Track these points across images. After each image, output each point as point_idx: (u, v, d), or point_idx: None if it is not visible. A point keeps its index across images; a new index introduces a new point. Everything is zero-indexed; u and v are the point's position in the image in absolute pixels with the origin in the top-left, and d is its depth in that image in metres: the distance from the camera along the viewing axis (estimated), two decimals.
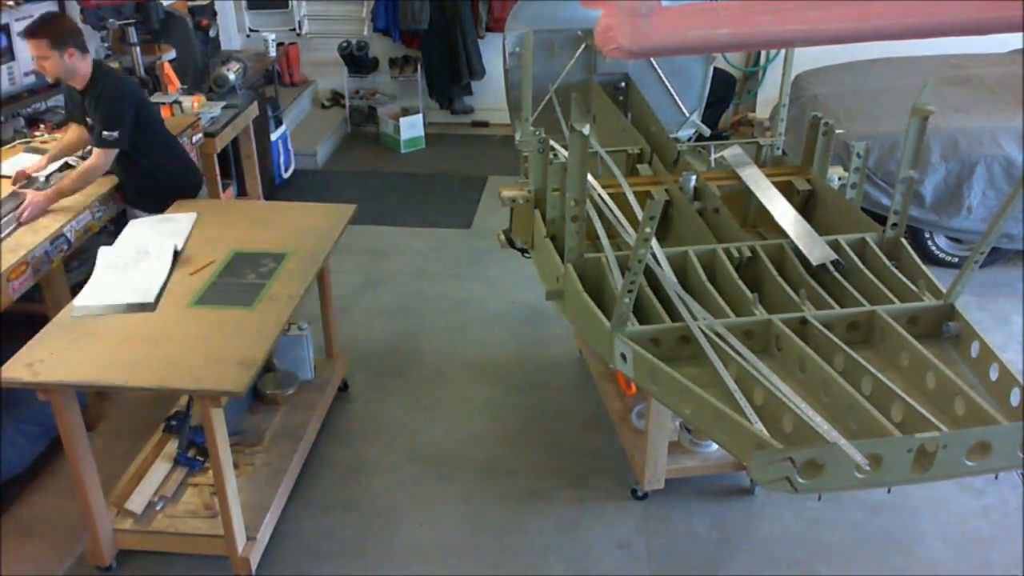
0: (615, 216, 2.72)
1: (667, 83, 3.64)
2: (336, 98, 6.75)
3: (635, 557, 2.84)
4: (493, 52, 6.45)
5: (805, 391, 2.14)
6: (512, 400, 3.61)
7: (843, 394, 2.02)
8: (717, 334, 2.20)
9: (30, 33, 3.02)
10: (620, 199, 2.83)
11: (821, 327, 2.23)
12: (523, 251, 3.20)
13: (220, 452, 2.47)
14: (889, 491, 2.09)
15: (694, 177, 2.93)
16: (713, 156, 3.20)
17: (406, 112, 6.42)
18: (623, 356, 2.23)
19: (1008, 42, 5.22)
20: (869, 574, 2.78)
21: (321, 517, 3.00)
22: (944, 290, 2.35)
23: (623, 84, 3.64)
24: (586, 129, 2.28)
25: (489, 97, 6.67)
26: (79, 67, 3.09)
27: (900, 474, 1.85)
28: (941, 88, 4.70)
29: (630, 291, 2.16)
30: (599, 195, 2.81)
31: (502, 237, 3.20)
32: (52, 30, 3.02)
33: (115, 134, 3.08)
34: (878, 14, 1.52)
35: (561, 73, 3.50)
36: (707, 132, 3.80)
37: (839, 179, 2.94)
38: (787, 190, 2.91)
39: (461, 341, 4.00)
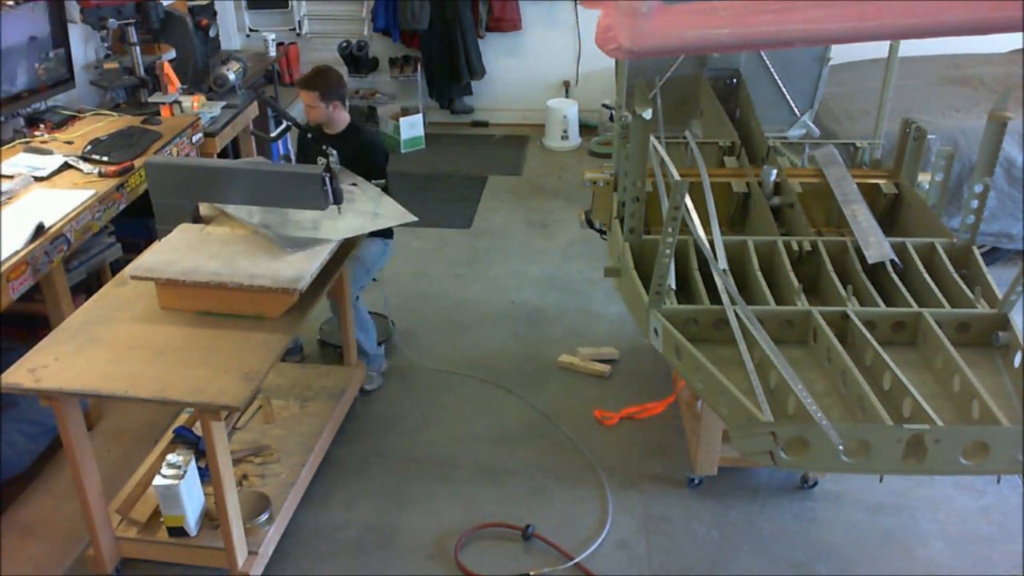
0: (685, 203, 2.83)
1: (779, 81, 3.66)
2: None
3: (635, 557, 2.84)
4: (493, 52, 6.45)
5: (827, 381, 2.22)
6: (512, 400, 3.61)
7: (856, 385, 2.08)
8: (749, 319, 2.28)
9: (305, 85, 3.41)
10: (702, 188, 2.95)
11: (859, 323, 2.30)
12: (601, 232, 3.41)
13: (220, 467, 2.45)
14: (881, 480, 2.15)
15: (775, 172, 3.05)
16: (806, 154, 3.31)
17: (406, 112, 6.42)
18: (655, 331, 2.38)
19: (1008, 42, 5.21)
20: (869, 574, 2.78)
21: (322, 517, 3.00)
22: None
23: (734, 80, 3.68)
24: (647, 114, 2.41)
25: (489, 97, 6.67)
26: (337, 117, 3.50)
27: (890, 463, 1.90)
28: (941, 88, 4.70)
29: (663, 271, 2.31)
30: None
31: (582, 217, 3.44)
32: (321, 85, 3.41)
33: (383, 182, 3.45)
34: (878, 14, 1.52)
35: (672, 65, 3.58)
36: (817, 133, 3.80)
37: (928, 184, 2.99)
38: (873, 193, 2.99)
39: (461, 341, 4.00)
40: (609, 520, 2.97)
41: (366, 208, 3.06)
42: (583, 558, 2.81)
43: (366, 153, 3.49)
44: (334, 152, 2.75)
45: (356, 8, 6.49)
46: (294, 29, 6.56)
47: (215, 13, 4.79)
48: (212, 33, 4.58)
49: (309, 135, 3.45)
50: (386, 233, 3.59)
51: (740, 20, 1.59)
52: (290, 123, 3.50)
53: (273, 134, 4.35)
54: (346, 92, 3.52)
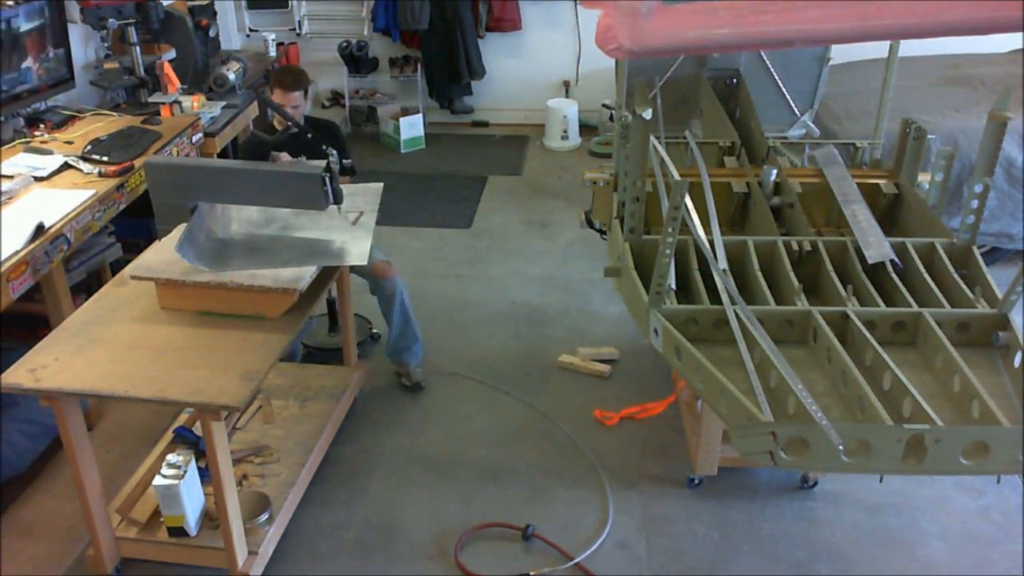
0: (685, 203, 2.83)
1: (779, 81, 3.66)
2: (336, 98, 6.74)
3: (635, 557, 2.84)
4: (493, 52, 6.46)
5: (828, 380, 2.22)
6: (512, 400, 3.61)
7: (856, 385, 2.08)
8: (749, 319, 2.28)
9: (294, 87, 3.45)
10: (702, 188, 2.95)
11: (859, 323, 2.30)
12: (601, 232, 3.42)
13: (220, 467, 2.45)
14: (881, 480, 2.15)
15: (775, 172, 3.05)
16: (806, 154, 3.31)
17: (406, 112, 6.42)
18: (655, 331, 2.37)
19: (1008, 42, 5.21)
20: (869, 574, 2.78)
21: (322, 517, 3.00)
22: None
23: (734, 80, 3.69)
24: (647, 114, 2.41)
25: (489, 97, 6.67)
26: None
27: (890, 463, 1.90)
28: (941, 88, 4.70)
29: (663, 271, 2.32)
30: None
31: (582, 217, 3.44)
32: (305, 83, 3.51)
33: (351, 161, 3.42)
34: (878, 14, 1.52)
35: (672, 66, 3.59)
36: (817, 133, 3.80)
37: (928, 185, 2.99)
38: (873, 193, 2.99)
39: (461, 341, 4.00)
40: (610, 521, 2.97)
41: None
42: (583, 558, 2.81)
43: (335, 138, 3.57)
44: (334, 152, 2.75)
45: (356, 8, 6.49)
46: (294, 29, 6.56)
47: (215, 13, 4.79)
48: (212, 33, 4.59)
49: (295, 132, 3.41)
50: None
51: (740, 20, 1.59)
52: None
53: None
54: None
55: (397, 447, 3.34)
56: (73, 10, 4.01)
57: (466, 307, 4.28)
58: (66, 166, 3.42)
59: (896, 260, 2.62)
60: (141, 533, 2.72)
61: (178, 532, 2.67)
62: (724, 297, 2.37)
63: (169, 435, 3.06)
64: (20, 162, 3.42)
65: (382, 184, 3.37)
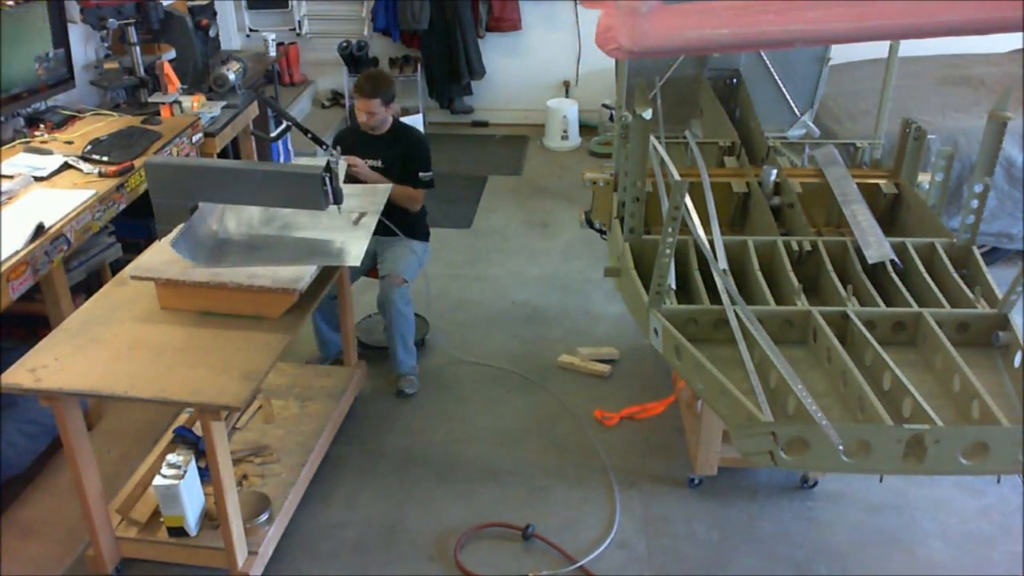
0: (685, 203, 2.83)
1: (779, 81, 3.66)
2: (336, 98, 6.74)
3: (635, 557, 2.84)
4: (493, 52, 6.46)
5: (828, 380, 2.22)
6: (512, 400, 3.61)
7: (856, 385, 2.08)
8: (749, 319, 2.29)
9: (370, 93, 3.45)
10: (702, 188, 2.95)
11: (859, 323, 2.30)
12: (601, 232, 3.43)
13: (220, 467, 2.45)
14: (881, 480, 2.15)
15: (775, 172, 3.05)
16: (806, 154, 3.32)
17: (406, 112, 6.40)
18: (655, 331, 2.38)
19: (1008, 42, 5.21)
20: (869, 574, 2.78)
21: (322, 517, 3.00)
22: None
23: (734, 80, 3.69)
24: (647, 114, 2.42)
25: (489, 97, 6.67)
26: (388, 119, 3.61)
27: (890, 463, 1.90)
28: (941, 88, 4.70)
29: (663, 271, 2.32)
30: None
31: (582, 217, 3.46)
32: (383, 90, 3.49)
33: (430, 175, 3.69)
34: (878, 14, 1.52)
35: (672, 66, 3.59)
36: (817, 133, 3.80)
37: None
38: (873, 193, 2.99)
39: (461, 341, 4.00)
40: (617, 521, 2.97)
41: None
42: (587, 561, 2.81)
43: (418, 149, 3.67)
44: (335, 152, 2.76)
45: (356, 8, 6.49)
46: (294, 29, 6.56)
47: (215, 13, 4.79)
48: (212, 33, 4.58)
49: (328, 143, 3.45)
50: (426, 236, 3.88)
51: (740, 20, 1.59)
52: (290, 123, 3.50)
53: (273, 134, 4.36)
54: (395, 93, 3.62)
55: (397, 447, 3.34)
56: (73, 10, 4.01)
57: (466, 307, 4.28)
58: (66, 166, 3.42)
59: (896, 260, 2.62)
60: (141, 533, 2.72)
61: (178, 532, 2.67)
62: (724, 297, 2.37)
63: (169, 435, 3.06)
64: (20, 162, 3.41)
65: (391, 185, 3.37)
